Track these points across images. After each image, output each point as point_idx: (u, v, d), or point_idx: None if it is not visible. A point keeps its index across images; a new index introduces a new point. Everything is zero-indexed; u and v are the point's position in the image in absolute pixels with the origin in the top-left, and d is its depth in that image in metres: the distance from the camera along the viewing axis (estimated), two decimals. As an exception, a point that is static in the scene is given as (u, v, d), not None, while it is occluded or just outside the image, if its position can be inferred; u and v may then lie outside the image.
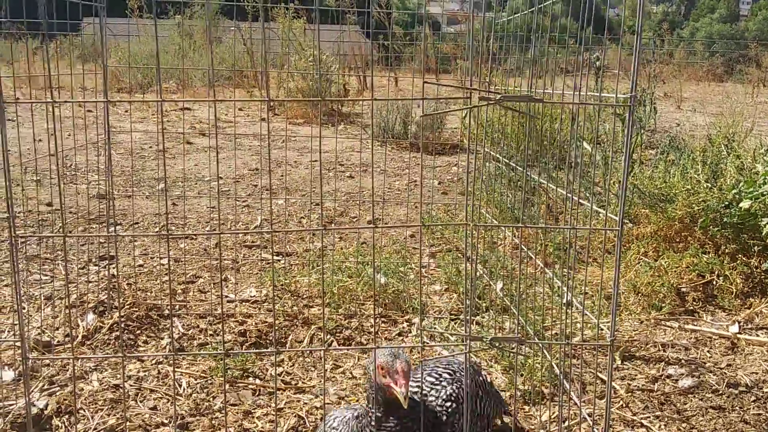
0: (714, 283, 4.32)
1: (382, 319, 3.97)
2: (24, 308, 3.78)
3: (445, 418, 2.20)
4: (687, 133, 8.47)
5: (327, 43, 10.87)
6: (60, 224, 5.20)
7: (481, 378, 2.51)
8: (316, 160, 8.15)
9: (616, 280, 2.01)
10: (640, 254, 4.67)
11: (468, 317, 2.02)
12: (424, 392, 2.26)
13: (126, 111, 11.63)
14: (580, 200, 2.67)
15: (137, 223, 5.70)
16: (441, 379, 2.34)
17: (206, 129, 10.31)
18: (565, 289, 2.88)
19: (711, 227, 4.54)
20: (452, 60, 15.24)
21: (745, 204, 4.37)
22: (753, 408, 3.04)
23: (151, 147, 9.02)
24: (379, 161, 8.23)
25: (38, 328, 3.58)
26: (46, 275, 4.32)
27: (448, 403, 2.24)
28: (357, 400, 3.11)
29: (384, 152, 8.86)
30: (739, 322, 3.91)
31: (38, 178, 6.37)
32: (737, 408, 3.04)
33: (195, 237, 5.37)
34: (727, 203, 4.51)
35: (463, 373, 2.27)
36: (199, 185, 7.16)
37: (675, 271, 4.33)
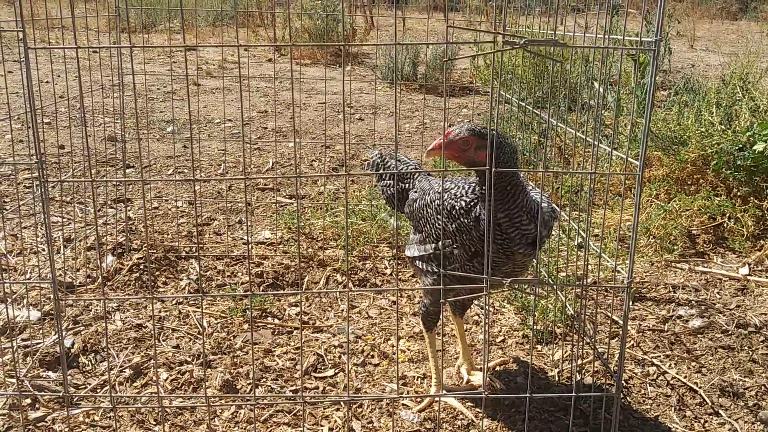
0: (725, 225, 4.35)
1: (397, 261, 4.03)
2: (44, 250, 3.85)
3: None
4: (700, 73, 8.36)
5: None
6: (74, 167, 5.23)
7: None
8: (325, 102, 8.10)
9: (635, 223, 2.04)
10: (651, 197, 4.69)
11: (488, 259, 2.07)
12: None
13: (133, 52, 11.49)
14: (597, 143, 2.68)
15: (149, 165, 5.72)
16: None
17: (213, 70, 10.22)
18: (580, 231, 2.91)
19: (723, 170, 4.54)
20: (461, -2, 14.94)
21: (759, 146, 4.36)
22: (762, 348, 3.11)
23: (158, 89, 8.96)
24: (388, 103, 8.18)
25: (59, 269, 3.64)
26: (64, 218, 4.37)
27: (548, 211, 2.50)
28: (373, 339, 3.19)
29: (393, 94, 8.78)
30: (749, 264, 3.96)
31: (49, 120, 6.36)
32: (746, 347, 3.11)
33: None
34: (740, 146, 4.50)
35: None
36: (209, 127, 7.14)
37: (686, 214, 4.35)
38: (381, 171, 3.13)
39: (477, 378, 2.85)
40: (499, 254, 2.35)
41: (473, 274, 2.41)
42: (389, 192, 3.06)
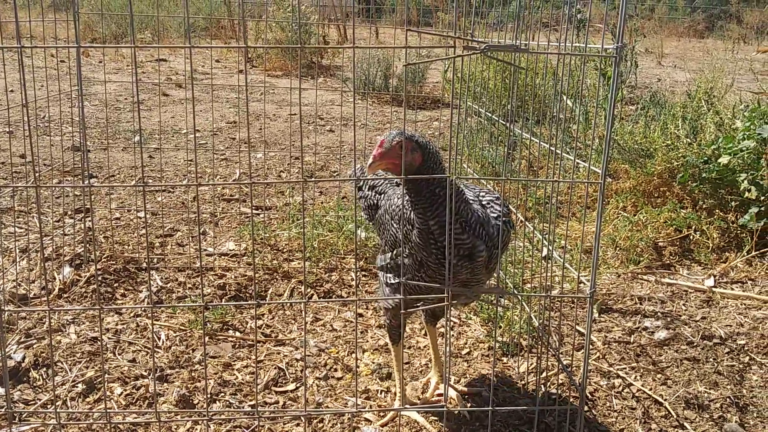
0: (691, 237, 4.36)
1: (363, 272, 3.97)
2: (-2, 261, 3.72)
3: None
4: (667, 89, 8.46)
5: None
6: (35, 175, 5.10)
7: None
8: (295, 114, 8.04)
9: (597, 231, 2.01)
10: (618, 209, 4.70)
11: (449, 270, 2.02)
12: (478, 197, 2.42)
13: (100, 62, 11.36)
14: (563, 153, 2.65)
15: (113, 175, 5.61)
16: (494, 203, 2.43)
17: (182, 81, 10.11)
18: (545, 242, 2.88)
19: (689, 182, 4.57)
20: (434, 13, 15.04)
21: (723, 159, 4.39)
22: (726, 359, 3.10)
23: (126, 99, 8.84)
24: (359, 115, 8.14)
25: (13, 281, 3.52)
26: (21, 228, 4.25)
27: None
28: (337, 352, 3.13)
29: (365, 106, 8.76)
30: (714, 276, 3.97)
31: (11, 129, 6.22)
32: (711, 359, 3.09)
33: (172, 190, 5.30)
34: (705, 159, 4.53)
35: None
36: (176, 138, 7.04)
37: (653, 226, 4.36)
38: (361, 185, 3.04)
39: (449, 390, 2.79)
40: (439, 266, 2.25)
41: (423, 286, 2.31)
42: (365, 204, 2.97)
